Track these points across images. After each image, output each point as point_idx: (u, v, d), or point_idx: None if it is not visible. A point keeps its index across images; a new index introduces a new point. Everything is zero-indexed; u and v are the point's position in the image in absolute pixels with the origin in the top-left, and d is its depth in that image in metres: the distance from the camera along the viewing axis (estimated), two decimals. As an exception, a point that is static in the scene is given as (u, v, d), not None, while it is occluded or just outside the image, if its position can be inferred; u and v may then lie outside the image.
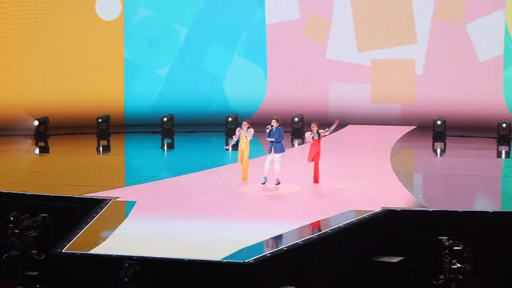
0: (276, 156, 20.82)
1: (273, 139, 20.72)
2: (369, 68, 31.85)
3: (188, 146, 29.82)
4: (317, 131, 20.95)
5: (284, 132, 21.31)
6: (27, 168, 24.72)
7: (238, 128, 21.61)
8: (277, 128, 20.82)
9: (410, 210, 18.47)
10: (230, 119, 30.77)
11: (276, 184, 20.88)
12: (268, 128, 20.83)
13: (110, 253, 15.39)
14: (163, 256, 15.23)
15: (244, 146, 21.28)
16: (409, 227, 17.82)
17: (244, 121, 21.69)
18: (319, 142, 20.90)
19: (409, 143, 28.29)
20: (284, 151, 20.98)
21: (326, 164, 22.04)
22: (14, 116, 30.68)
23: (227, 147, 23.77)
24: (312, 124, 21.26)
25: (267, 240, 16.28)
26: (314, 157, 20.94)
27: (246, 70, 32.62)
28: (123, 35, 32.16)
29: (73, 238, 16.26)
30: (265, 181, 20.95)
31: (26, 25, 30.90)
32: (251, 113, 31.52)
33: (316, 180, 21.05)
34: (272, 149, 20.80)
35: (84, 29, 31.77)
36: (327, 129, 20.90)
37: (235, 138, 21.58)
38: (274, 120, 20.97)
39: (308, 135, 21.12)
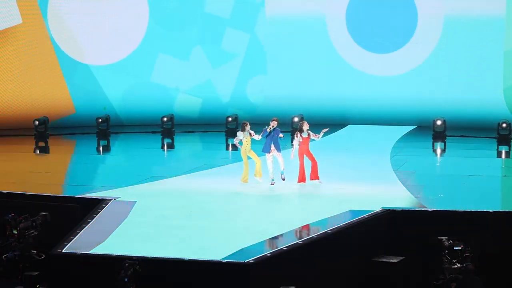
0: (279, 154, 20.82)
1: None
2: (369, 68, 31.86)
3: (188, 146, 29.81)
4: (307, 130, 20.93)
5: (283, 132, 21.33)
6: (27, 168, 24.69)
7: (238, 132, 21.51)
8: (275, 129, 20.82)
9: (410, 210, 18.45)
10: (230, 119, 30.73)
11: (282, 179, 20.86)
12: (268, 128, 20.80)
13: (110, 253, 15.39)
14: (163, 256, 15.23)
15: (248, 147, 21.20)
16: (409, 227, 17.80)
17: (243, 122, 21.60)
18: (308, 140, 20.90)
19: (409, 143, 28.26)
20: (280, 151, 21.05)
21: (326, 164, 22.03)
22: (14, 116, 30.66)
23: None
24: (301, 122, 21.28)
25: (267, 240, 16.27)
26: (307, 155, 20.90)
27: (245, 69, 32.59)
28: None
29: (73, 238, 16.26)
30: (274, 182, 20.94)
31: (26, 24, 30.87)
32: (251, 113, 31.47)
33: (315, 177, 21.01)
34: (272, 148, 20.79)
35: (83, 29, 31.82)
36: (317, 135, 20.90)
37: (236, 141, 21.46)
38: (274, 121, 20.96)
39: (296, 135, 21.11)
